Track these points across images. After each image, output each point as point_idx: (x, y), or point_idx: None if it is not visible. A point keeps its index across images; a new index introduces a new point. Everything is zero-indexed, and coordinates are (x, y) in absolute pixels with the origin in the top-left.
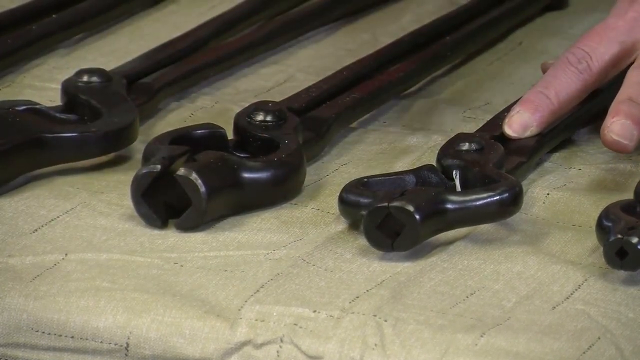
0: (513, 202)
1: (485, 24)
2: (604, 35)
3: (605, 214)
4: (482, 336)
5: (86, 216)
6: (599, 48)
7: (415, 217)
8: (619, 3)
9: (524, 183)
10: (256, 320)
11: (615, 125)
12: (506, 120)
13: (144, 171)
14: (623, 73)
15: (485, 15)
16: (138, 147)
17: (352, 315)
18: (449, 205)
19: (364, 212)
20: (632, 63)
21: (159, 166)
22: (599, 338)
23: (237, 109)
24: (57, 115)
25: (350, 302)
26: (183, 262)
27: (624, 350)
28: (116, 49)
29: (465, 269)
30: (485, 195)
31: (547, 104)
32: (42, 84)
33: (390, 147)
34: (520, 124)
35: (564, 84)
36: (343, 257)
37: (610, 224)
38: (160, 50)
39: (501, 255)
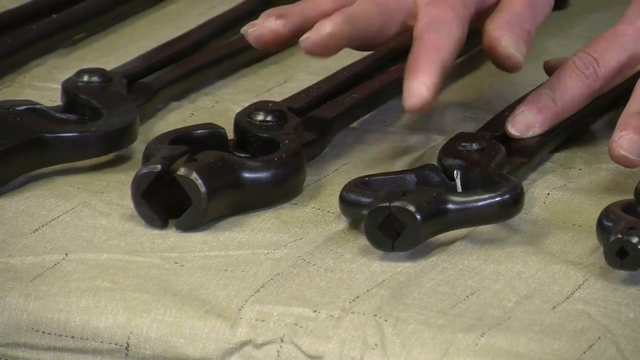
0: (514, 203)
1: None
2: (612, 42)
3: (605, 214)
4: (482, 336)
5: (86, 216)
6: (606, 54)
7: (416, 218)
8: (629, 10)
9: (525, 183)
10: (256, 320)
11: (624, 140)
12: (510, 119)
13: (144, 171)
14: (628, 79)
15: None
16: (138, 147)
17: (352, 315)
18: (450, 206)
19: (364, 212)
20: (639, 72)
21: (159, 166)
22: (599, 338)
23: (238, 109)
24: (57, 115)
25: (350, 302)
26: (183, 262)
27: (624, 350)
28: (116, 49)
29: (466, 268)
30: (486, 196)
31: (551, 106)
32: (42, 84)
33: (391, 147)
34: (523, 123)
35: (569, 88)
36: (343, 257)
37: (610, 224)
38: (160, 50)
39: (501, 255)
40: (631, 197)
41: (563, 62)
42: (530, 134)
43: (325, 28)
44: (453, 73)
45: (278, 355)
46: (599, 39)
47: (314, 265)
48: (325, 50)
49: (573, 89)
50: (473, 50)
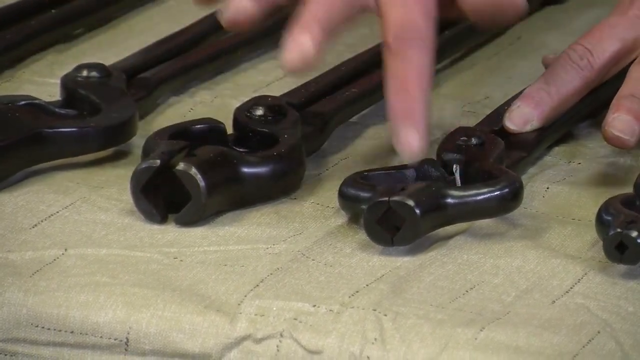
0: (513, 197)
1: None
2: (605, 33)
3: (605, 208)
4: (481, 330)
5: (86, 211)
6: (600, 45)
7: (415, 212)
8: (621, 0)
9: (524, 177)
10: (256, 314)
11: (617, 121)
12: (507, 114)
13: (143, 166)
14: (624, 69)
15: None
16: (137, 142)
17: (351, 310)
18: (449, 200)
19: (364, 207)
20: (634, 60)
21: (158, 161)
22: (598, 332)
23: (237, 104)
24: (57, 110)
25: (350, 297)
26: (183, 257)
27: (623, 344)
28: (115, 44)
29: (465, 263)
30: (485, 190)
31: (547, 100)
32: (42, 79)
33: (390, 142)
34: (521, 118)
35: (564, 81)
36: (343, 251)
37: (610, 218)
38: (159, 45)
39: (501, 250)
40: (631, 191)
41: (558, 56)
42: (528, 128)
43: (306, 46)
44: (452, 67)
45: (278, 350)
46: (593, 30)
47: (313, 260)
48: (308, 67)
49: (569, 81)
50: (471, 45)
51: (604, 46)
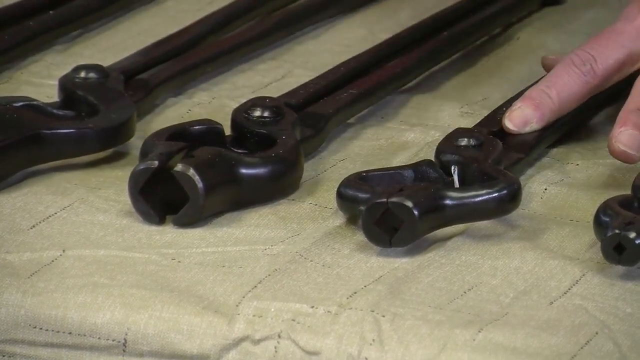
0: (512, 199)
1: (482, 19)
2: (610, 40)
3: (602, 209)
4: (479, 332)
5: (84, 212)
6: (604, 52)
7: (413, 213)
8: (628, 8)
9: (522, 178)
10: (254, 316)
11: (623, 136)
12: (507, 114)
13: (141, 167)
14: (628, 76)
15: (483, 11)
16: (135, 143)
17: (349, 311)
18: (448, 202)
19: (362, 208)
20: (639, 70)
21: (156, 162)
22: (596, 333)
23: (235, 105)
24: (55, 111)
25: (348, 298)
26: (181, 258)
27: (621, 345)
28: (113, 45)
29: (463, 264)
30: (483, 192)
31: (548, 102)
32: (40, 80)
33: (388, 143)
34: (521, 118)
35: (566, 85)
36: (341, 252)
37: (607, 219)
38: (157, 46)
39: (499, 251)
40: (629, 192)
41: (561, 59)
42: (528, 129)
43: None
44: (450, 68)
45: (275, 351)
46: (598, 36)
47: (311, 261)
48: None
49: (570, 86)
50: (470, 46)
51: (609, 53)
